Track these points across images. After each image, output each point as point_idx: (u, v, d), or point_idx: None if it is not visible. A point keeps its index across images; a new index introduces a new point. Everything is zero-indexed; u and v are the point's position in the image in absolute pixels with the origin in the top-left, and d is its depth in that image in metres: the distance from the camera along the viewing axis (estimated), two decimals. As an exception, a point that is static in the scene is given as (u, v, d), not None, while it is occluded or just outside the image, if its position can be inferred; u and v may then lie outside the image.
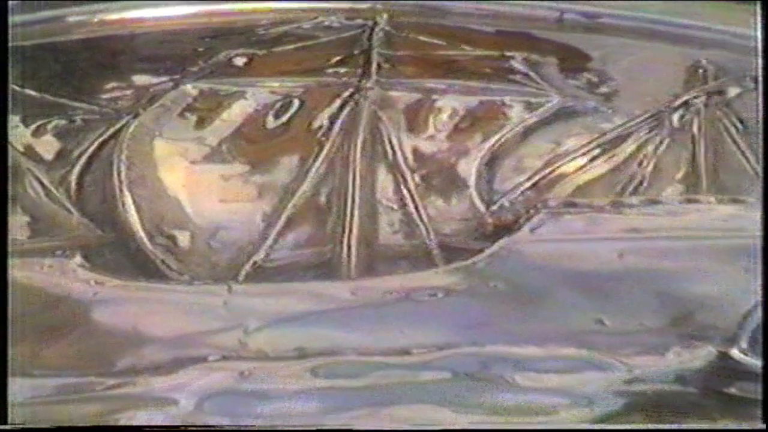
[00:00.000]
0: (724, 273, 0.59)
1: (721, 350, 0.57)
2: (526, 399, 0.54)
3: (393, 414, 0.55)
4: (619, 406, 0.54)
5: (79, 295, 0.60)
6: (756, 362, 0.60)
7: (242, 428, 0.58)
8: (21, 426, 0.61)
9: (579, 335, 0.57)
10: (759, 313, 0.64)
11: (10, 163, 0.69)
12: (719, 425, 0.58)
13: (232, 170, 0.65)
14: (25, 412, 0.60)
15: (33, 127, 0.68)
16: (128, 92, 0.70)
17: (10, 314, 0.67)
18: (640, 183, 0.64)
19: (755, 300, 0.60)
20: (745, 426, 0.58)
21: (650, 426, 0.57)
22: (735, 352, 0.57)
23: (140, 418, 0.59)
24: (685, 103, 0.68)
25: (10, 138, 0.70)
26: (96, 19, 0.77)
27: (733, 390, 0.56)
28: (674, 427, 0.57)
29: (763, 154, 0.82)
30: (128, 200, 0.63)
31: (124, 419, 0.59)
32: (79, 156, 0.66)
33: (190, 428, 0.58)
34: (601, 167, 0.65)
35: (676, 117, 0.67)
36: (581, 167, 0.65)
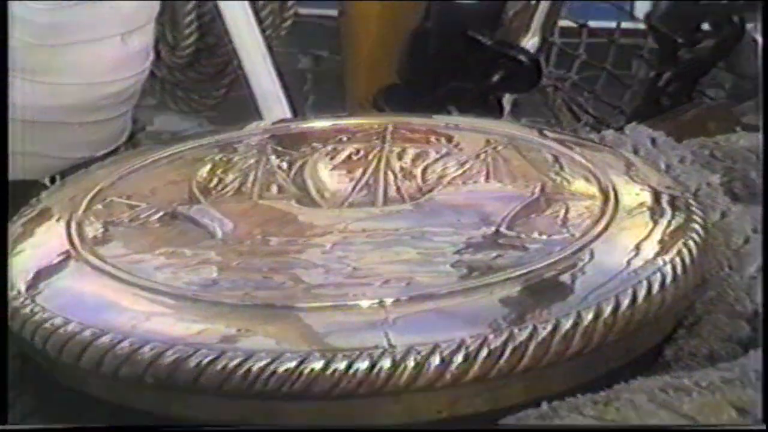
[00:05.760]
0: (499, 203, 1.03)
1: (495, 228, 0.98)
2: (434, 244, 0.98)
3: (392, 249, 0.98)
4: (464, 247, 0.95)
5: (292, 212, 1.04)
6: (509, 233, 0.99)
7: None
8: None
9: (453, 224, 0.99)
10: (515, 212, 1.02)
11: (270, 170, 1.09)
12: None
13: (341, 172, 1.09)
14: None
15: (279, 158, 1.13)
16: (310, 149, 1.11)
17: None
18: (471, 177, 1.07)
19: (511, 208, 1.02)
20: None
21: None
22: (502, 229, 0.97)
23: (312, 252, 0.98)
24: (485, 152, 1.10)
25: (273, 163, 1.10)
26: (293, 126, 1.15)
27: (500, 240, 0.96)
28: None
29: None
30: (309, 181, 1.07)
31: (306, 254, 0.99)
32: (294, 168, 1.11)
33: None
34: (457, 172, 1.11)
35: (481, 156, 1.09)
36: (453, 171, 1.10)
